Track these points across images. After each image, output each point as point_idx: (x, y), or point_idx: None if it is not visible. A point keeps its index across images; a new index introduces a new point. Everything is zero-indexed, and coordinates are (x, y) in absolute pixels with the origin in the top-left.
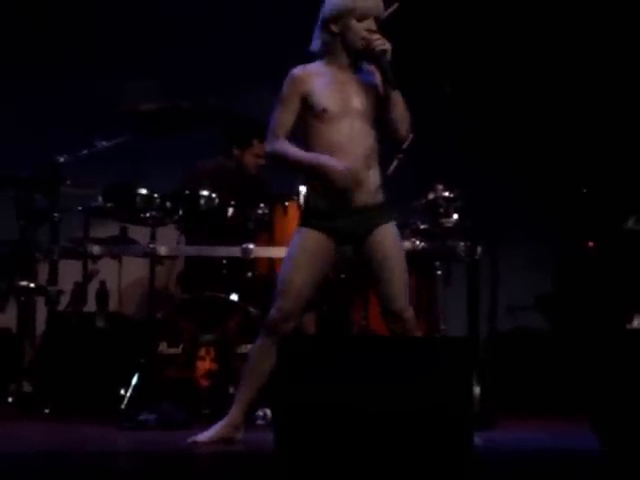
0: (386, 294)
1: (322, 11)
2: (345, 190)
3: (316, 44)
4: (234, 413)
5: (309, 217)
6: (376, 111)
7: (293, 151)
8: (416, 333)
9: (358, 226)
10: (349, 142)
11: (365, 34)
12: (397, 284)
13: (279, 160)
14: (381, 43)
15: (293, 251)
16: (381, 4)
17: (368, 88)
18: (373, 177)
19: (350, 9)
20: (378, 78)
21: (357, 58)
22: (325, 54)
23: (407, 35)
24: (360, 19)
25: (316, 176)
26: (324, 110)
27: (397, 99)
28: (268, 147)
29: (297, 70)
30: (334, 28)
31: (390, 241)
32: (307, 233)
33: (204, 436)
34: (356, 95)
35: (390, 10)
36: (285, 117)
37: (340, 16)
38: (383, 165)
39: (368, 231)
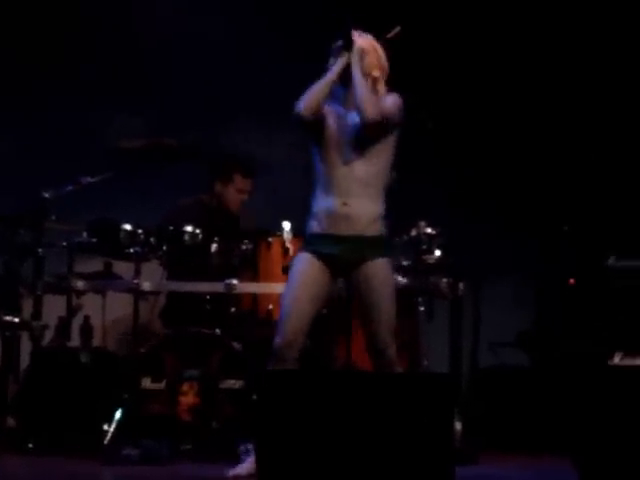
0: (370, 330)
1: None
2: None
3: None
4: None
5: (305, 243)
6: (382, 141)
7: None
8: (397, 369)
9: (348, 254)
10: (343, 174)
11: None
12: (382, 322)
13: (314, 96)
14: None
15: (291, 277)
16: (367, 41)
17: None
18: (370, 209)
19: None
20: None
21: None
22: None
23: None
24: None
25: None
26: (321, 142)
27: (355, 81)
28: (297, 106)
29: None
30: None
31: (381, 277)
32: (302, 257)
33: (243, 469)
34: (356, 128)
35: (392, 32)
36: None
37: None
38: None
39: (360, 261)
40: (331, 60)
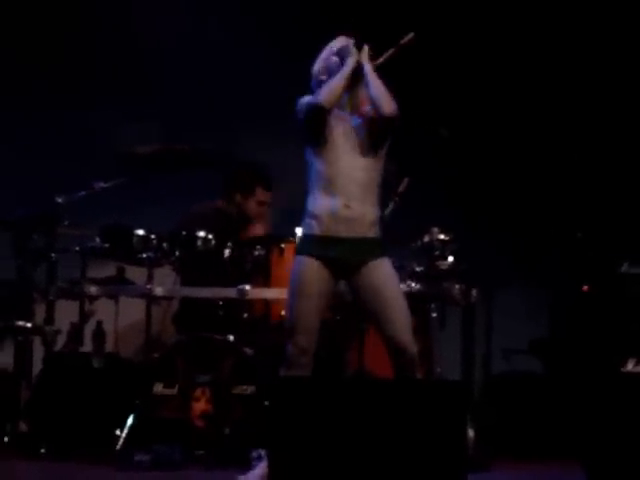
0: (387, 330)
1: (313, 70)
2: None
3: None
4: None
5: (304, 244)
6: (381, 144)
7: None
8: (417, 369)
9: (350, 255)
10: (345, 176)
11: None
12: (398, 319)
13: (335, 89)
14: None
15: (293, 283)
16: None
17: (370, 124)
18: (370, 211)
19: (326, 58)
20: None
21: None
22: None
23: (403, 83)
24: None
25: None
26: (324, 144)
27: (370, 77)
28: (314, 98)
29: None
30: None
31: (386, 276)
32: (302, 260)
33: (255, 475)
34: (356, 131)
35: (406, 39)
36: None
37: (321, 69)
38: (380, 207)
39: (361, 262)
40: (332, 59)
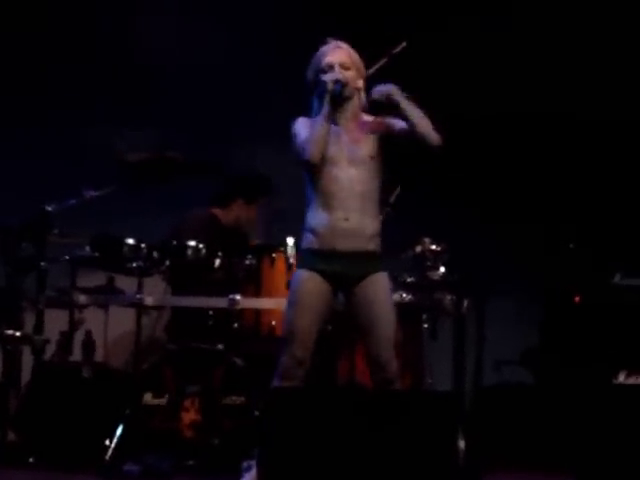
0: (371, 344)
1: (307, 77)
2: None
3: (313, 109)
4: None
5: (303, 259)
6: (379, 157)
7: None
8: (397, 385)
9: (349, 269)
10: (344, 188)
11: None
12: (383, 336)
13: (318, 142)
14: (331, 76)
15: (292, 295)
16: (348, 53)
17: (367, 136)
18: (369, 224)
19: (316, 69)
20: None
21: (335, 105)
22: (315, 108)
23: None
24: (326, 70)
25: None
26: (323, 156)
27: (411, 113)
28: (305, 154)
29: (302, 117)
30: (314, 96)
31: (381, 293)
32: (301, 274)
33: None
34: (352, 144)
35: (398, 48)
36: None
37: (313, 79)
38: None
39: (360, 277)
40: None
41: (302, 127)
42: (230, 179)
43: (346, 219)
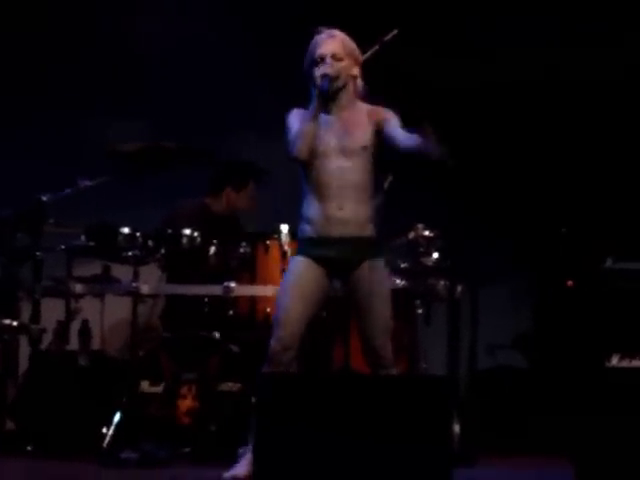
0: (366, 329)
1: (304, 66)
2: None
3: (311, 99)
4: None
5: (299, 247)
6: (373, 146)
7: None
8: (392, 370)
9: (346, 255)
10: (337, 179)
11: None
12: (379, 323)
13: (305, 138)
14: (321, 69)
15: (286, 280)
16: (340, 42)
17: (359, 125)
18: (363, 210)
19: (310, 61)
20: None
21: (325, 99)
22: (313, 99)
23: (393, 80)
24: (319, 63)
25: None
26: (315, 147)
27: (433, 150)
28: (293, 150)
29: (296, 109)
30: (311, 86)
31: (377, 277)
32: (297, 261)
33: (239, 469)
34: (345, 134)
35: (389, 35)
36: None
37: (308, 71)
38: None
39: (357, 262)
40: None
41: (294, 120)
42: (217, 167)
43: (340, 208)
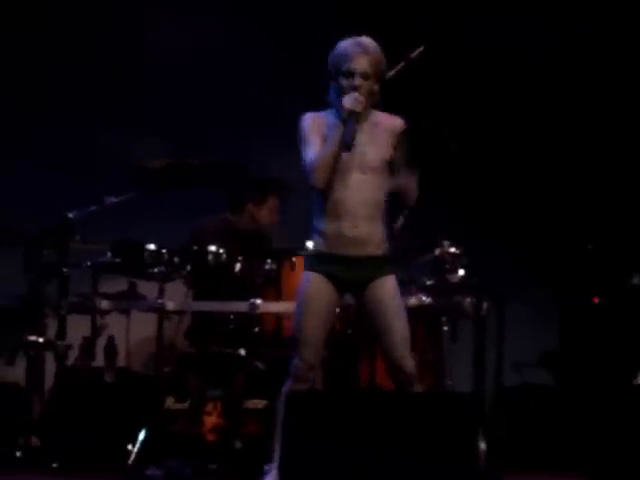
0: (387, 344)
1: (328, 65)
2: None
3: (330, 94)
4: None
5: (311, 261)
6: (388, 161)
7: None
8: (416, 384)
9: (358, 275)
10: (353, 195)
11: (345, 90)
12: (397, 335)
13: (325, 170)
14: (349, 102)
15: (300, 298)
16: (372, 61)
17: (377, 139)
18: (377, 229)
19: (336, 67)
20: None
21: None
22: (333, 104)
23: (411, 95)
24: (347, 76)
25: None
26: None
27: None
28: (312, 180)
29: (309, 114)
30: (332, 82)
31: (389, 293)
32: (309, 276)
33: None
34: (361, 147)
35: (416, 52)
36: (319, 146)
37: (333, 72)
38: (390, 220)
39: (368, 281)
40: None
41: (313, 135)
42: (237, 183)
43: (354, 226)
